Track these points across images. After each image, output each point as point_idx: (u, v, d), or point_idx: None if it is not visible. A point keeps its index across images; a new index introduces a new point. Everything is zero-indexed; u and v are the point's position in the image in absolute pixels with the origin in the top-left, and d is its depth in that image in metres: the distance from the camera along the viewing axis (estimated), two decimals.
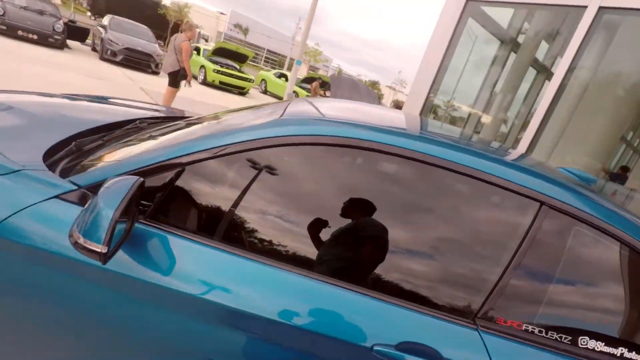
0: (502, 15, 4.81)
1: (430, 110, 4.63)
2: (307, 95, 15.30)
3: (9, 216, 0.99)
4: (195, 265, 1.00)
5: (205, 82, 12.71)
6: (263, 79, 17.24)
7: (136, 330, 1.00)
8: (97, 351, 1.05)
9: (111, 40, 10.37)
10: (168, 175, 1.05)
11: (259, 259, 1.01)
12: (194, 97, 9.03)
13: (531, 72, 5.22)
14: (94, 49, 12.10)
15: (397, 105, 13.91)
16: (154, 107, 2.38)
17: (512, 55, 5.08)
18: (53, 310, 1.02)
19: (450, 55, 4.35)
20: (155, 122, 1.84)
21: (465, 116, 5.21)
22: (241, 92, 13.58)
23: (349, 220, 1.08)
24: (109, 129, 1.62)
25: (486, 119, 5.01)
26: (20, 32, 9.02)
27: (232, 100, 11.29)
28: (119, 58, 10.35)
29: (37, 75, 6.23)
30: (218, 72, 12.66)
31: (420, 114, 4.54)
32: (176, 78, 5.83)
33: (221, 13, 57.50)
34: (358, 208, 1.08)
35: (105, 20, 11.62)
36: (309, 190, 1.11)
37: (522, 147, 3.68)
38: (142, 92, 7.68)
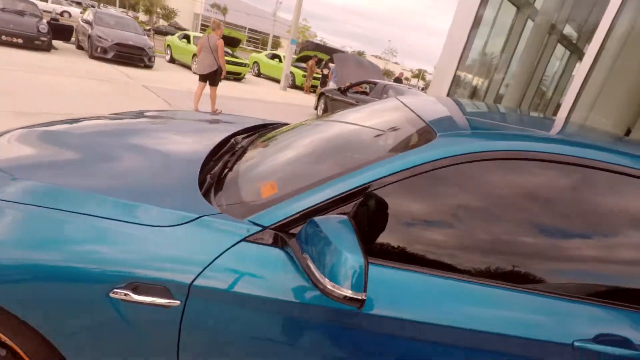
0: None
1: (460, 87, 4.56)
2: (304, 75, 14.97)
3: (207, 265, 0.96)
4: (426, 294, 0.99)
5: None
6: (255, 62, 16.77)
7: None
8: None
9: (99, 37, 9.91)
10: (347, 207, 1.02)
11: (473, 279, 1.01)
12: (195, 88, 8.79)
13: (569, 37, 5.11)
14: (79, 47, 11.58)
15: (398, 79, 13.70)
16: (224, 117, 2.29)
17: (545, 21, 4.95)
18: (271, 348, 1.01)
19: (477, 26, 4.25)
20: (251, 135, 1.78)
21: (498, 88, 5.15)
22: (237, 78, 13.23)
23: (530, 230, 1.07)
24: (214, 152, 1.56)
25: (518, 88, 4.95)
26: (4, 37, 8.56)
27: (237, 89, 11.02)
28: (110, 55, 9.93)
29: (41, 85, 5.97)
30: None
31: (449, 90, 4.48)
32: (216, 77, 6.07)
33: None
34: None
35: (88, 14, 11.06)
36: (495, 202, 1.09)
37: (564, 110, 3.67)
38: (147, 91, 7.43)
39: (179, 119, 2.11)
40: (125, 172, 1.27)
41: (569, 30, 5.06)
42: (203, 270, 0.95)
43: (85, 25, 10.59)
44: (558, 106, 4.45)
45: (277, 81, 15.11)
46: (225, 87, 10.92)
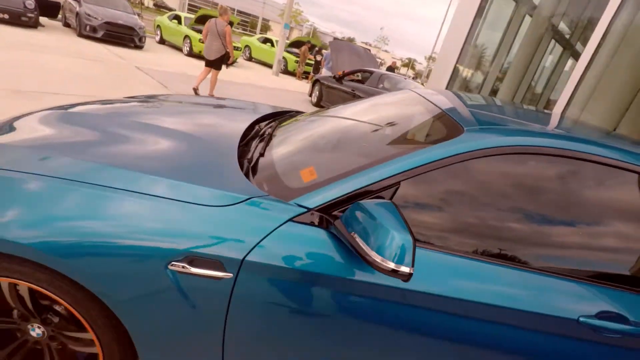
0: None
1: (457, 79, 4.68)
2: (296, 61, 14.86)
3: (259, 242, 1.05)
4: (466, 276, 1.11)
5: (191, 54, 12.10)
6: (247, 45, 16.53)
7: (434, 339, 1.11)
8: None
9: (88, 15, 9.61)
10: (388, 192, 1.13)
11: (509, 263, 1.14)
12: (188, 71, 8.68)
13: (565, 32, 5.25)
14: (66, 24, 11.21)
15: (391, 68, 13.73)
16: (253, 105, 2.33)
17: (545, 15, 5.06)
18: (316, 319, 1.11)
19: (480, 18, 4.34)
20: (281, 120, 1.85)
21: (494, 81, 5.28)
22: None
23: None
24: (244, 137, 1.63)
25: (514, 82, 5.09)
26: None
27: (229, 73, 10.90)
28: (99, 34, 9.66)
29: (30, 63, 5.81)
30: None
31: (449, 82, 4.59)
32: (222, 62, 6.27)
33: None
34: None
35: None
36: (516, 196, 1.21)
37: (559, 107, 3.83)
38: (141, 72, 7.31)
39: (196, 103, 2.16)
40: (166, 155, 1.33)
41: (563, 27, 5.21)
42: (254, 246, 1.04)
43: (73, 2, 10.23)
44: (549, 102, 4.62)
45: (269, 66, 14.97)
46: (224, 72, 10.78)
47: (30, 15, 8.73)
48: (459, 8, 4.35)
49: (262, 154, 1.44)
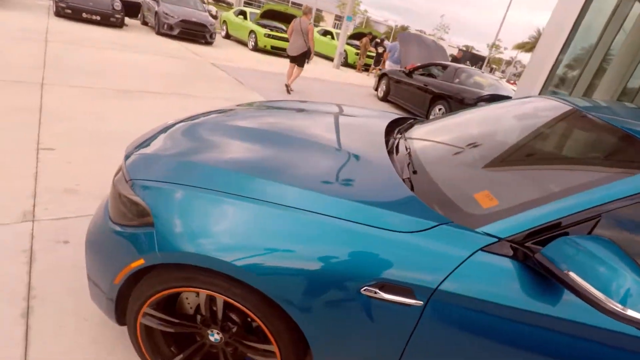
0: None
1: (557, 77, 4.31)
2: (357, 53, 14.68)
3: (453, 271, 1.03)
4: None
5: (255, 48, 12.43)
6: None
7: None
8: None
9: (166, 14, 10.22)
10: (586, 225, 1.04)
11: None
12: (258, 66, 8.90)
13: None
14: (144, 23, 12.00)
15: (456, 59, 13.07)
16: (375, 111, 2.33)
17: None
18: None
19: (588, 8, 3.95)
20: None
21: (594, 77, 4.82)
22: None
23: None
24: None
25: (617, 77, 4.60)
26: (84, 15, 9.03)
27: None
28: (175, 32, 10.25)
29: (125, 62, 6.30)
30: (269, 36, 12.29)
31: (545, 82, 4.24)
32: (304, 58, 6.62)
33: None
34: None
35: None
36: None
37: None
38: (216, 69, 7.63)
39: (317, 111, 2.18)
40: (329, 172, 1.35)
41: None
42: (448, 276, 1.02)
43: (152, 2, 10.91)
44: None
45: (330, 59, 14.94)
46: (276, 63, 10.96)
47: (117, 16, 9.47)
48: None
49: (415, 172, 1.42)
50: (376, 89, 9.24)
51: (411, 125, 2.03)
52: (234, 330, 1.27)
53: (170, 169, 1.28)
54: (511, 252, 1.04)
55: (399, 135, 1.84)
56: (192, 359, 1.35)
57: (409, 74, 7.97)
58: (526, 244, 1.05)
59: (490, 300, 1.02)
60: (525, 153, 1.46)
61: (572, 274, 0.91)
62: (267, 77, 7.97)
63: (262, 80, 7.30)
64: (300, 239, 1.06)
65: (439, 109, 6.70)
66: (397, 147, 1.68)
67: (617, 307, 0.85)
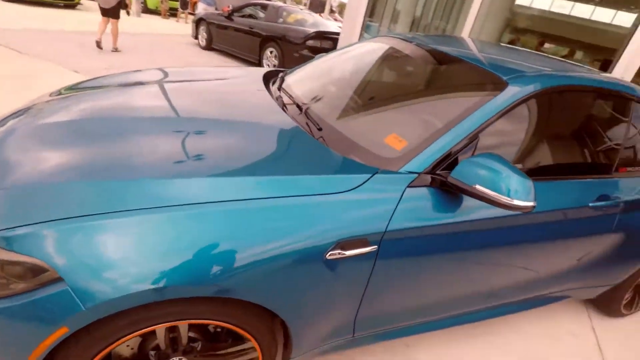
0: None
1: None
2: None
3: (394, 212, 1.17)
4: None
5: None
6: None
7: None
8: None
9: None
10: (471, 147, 1.32)
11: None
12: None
13: None
14: None
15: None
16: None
17: None
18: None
19: None
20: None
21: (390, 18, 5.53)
22: (69, 4, 10.51)
23: None
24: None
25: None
26: None
27: (77, 19, 8.83)
28: None
29: None
30: None
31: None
32: (119, 9, 5.97)
33: None
34: None
35: None
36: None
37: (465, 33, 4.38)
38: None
39: (184, 80, 1.89)
40: (244, 150, 1.26)
41: None
42: (391, 217, 1.17)
43: None
44: (444, 31, 5.18)
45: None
46: (58, 17, 8.71)
47: None
48: None
49: (320, 129, 1.46)
50: (196, 37, 8.44)
51: (283, 80, 2.00)
52: (199, 347, 1.16)
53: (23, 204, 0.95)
54: (429, 182, 1.25)
55: (281, 95, 1.80)
56: None
57: (229, 17, 7.52)
58: (437, 172, 1.27)
59: (425, 224, 1.23)
60: (406, 92, 1.67)
61: (478, 186, 1.17)
62: (60, 38, 6.24)
63: (56, 43, 5.70)
64: (245, 232, 0.99)
65: (271, 52, 6.69)
66: (288, 107, 1.67)
67: (508, 200, 1.15)
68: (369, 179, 1.18)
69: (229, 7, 7.95)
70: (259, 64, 6.94)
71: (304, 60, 5.86)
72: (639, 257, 2.02)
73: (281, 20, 6.81)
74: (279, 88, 1.87)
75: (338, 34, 6.48)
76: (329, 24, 7.47)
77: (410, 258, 1.26)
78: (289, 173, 1.15)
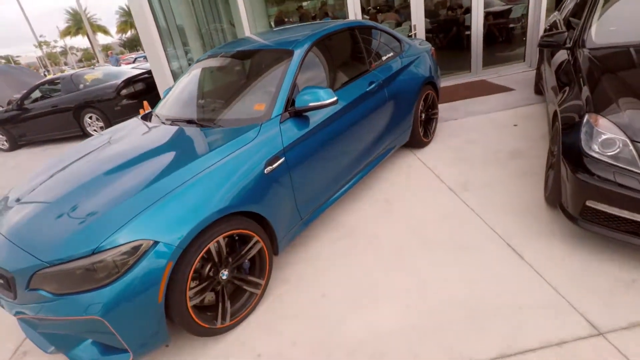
0: None
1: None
2: None
3: (282, 137, 2.13)
4: None
5: None
6: None
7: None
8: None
9: None
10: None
11: None
12: None
13: None
14: None
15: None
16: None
17: None
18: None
19: None
20: None
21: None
22: None
23: None
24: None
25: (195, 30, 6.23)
26: None
27: None
28: None
29: None
30: None
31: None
32: None
33: None
34: None
35: None
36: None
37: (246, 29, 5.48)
38: None
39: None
40: (189, 147, 2.04)
41: None
42: (281, 139, 2.13)
43: None
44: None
45: None
46: None
47: None
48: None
49: (213, 120, 2.30)
50: None
51: (154, 115, 2.73)
52: (231, 259, 1.94)
53: None
54: (288, 116, 2.24)
55: (166, 119, 2.54)
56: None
57: (21, 107, 7.01)
58: (289, 109, 2.27)
59: (298, 135, 2.22)
60: (241, 81, 2.62)
61: (310, 104, 2.22)
62: None
63: None
64: (227, 180, 1.84)
65: (90, 117, 6.64)
66: (179, 122, 2.43)
67: (323, 102, 2.24)
68: (260, 129, 2.11)
69: (10, 99, 7.32)
70: (83, 134, 6.79)
71: (128, 110, 6.18)
72: (409, 106, 3.46)
73: (82, 85, 6.76)
74: (158, 116, 2.61)
75: (144, 72, 6.91)
76: (125, 70, 7.72)
77: (303, 156, 2.26)
78: (222, 144, 1.98)
